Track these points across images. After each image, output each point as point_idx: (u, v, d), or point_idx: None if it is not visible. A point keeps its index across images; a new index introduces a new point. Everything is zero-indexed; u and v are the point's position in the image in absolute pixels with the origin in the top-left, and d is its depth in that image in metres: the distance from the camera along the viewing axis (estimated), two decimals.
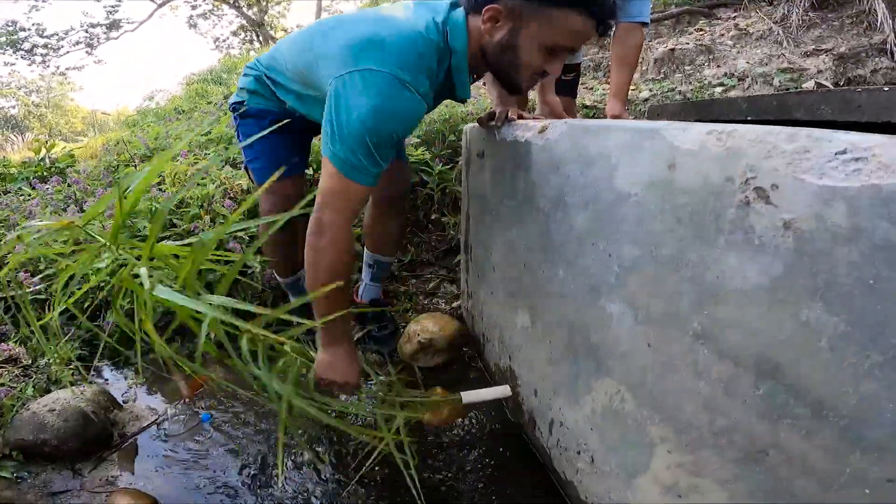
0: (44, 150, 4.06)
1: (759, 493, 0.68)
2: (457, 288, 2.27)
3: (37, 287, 2.08)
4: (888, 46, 3.76)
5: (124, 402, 1.70)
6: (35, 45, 16.12)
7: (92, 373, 1.91)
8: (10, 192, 3.36)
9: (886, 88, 1.22)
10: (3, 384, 1.62)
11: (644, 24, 1.87)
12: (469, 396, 1.45)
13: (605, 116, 3.93)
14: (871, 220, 0.50)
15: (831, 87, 3.62)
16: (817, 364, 0.58)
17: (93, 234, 0.77)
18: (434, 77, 1.17)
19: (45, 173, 3.84)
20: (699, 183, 0.71)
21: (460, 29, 1.15)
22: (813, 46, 4.11)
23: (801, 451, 0.62)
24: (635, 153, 0.84)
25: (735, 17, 4.90)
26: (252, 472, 1.39)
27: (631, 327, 0.89)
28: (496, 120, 1.42)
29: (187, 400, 1.70)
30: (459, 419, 1.56)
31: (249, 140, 1.41)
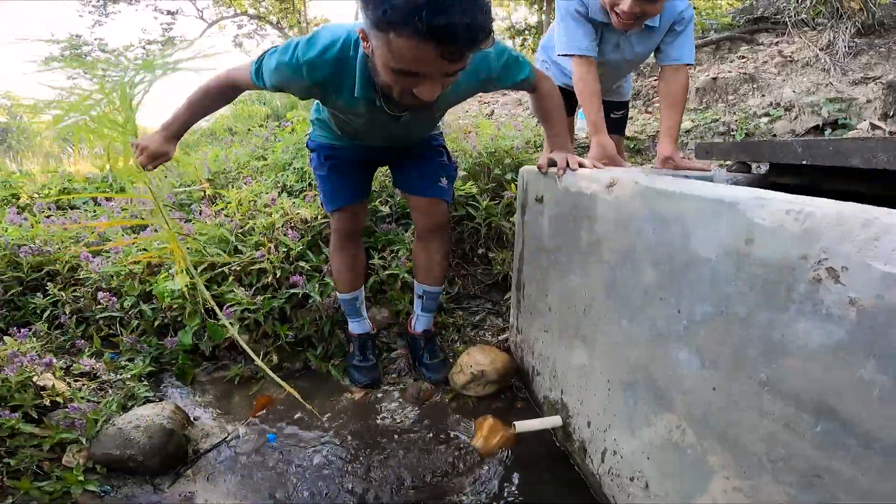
0: (108, 167, 4.27)
1: None
2: (502, 321, 2.36)
3: (113, 305, 2.23)
4: None
5: (195, 418, 1.81)
6: (98, 61, 16.83)
7: (164, 390, 2.04)
8: (77, 208, 3.53)
9: None
10: (84, 398, 1.75)
11: (688, 65, 1.97)
12: (522, 426, 1.54)
13: (647, 147, 3.95)
14: None
15: (884, 128, 3.51)
16: (869, 408, 0.68)
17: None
18: (346, 68, 1.36)
19: (107, 189, 3.97)
20: (775, 258, 0.78)
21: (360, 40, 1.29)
22: (861, 74, 4.02)
23: (852, 474, 0.71)
24: (712, 222, 0.91)
25: (778, 42, 4.81)
26: (322, 493, 1.48)
27: (696, 371, 0.97)
28: (558, 168, 1.50)
29: (250, 419, 1.81)
30: (510, 448, 1.64)
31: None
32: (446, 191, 1.88)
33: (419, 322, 2.10)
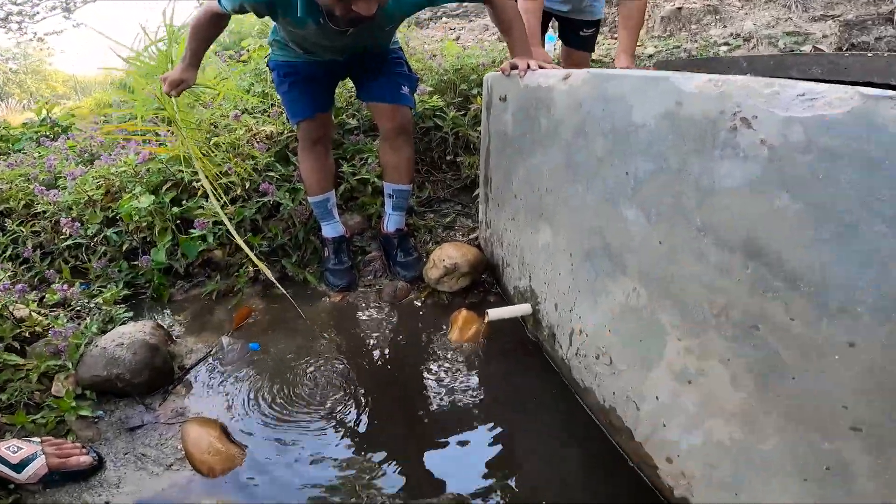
0: (45, 111, 4.19)
1: (756, 367, 0.82)
2: (472, 221, 2.38)
3: (77, 231, 2.19)
4: (895, 17, 3.74)
5: (177, 336, 1.85)
6: (9, 14, 15.62)
7: (142, 312, 2.06)
8: (20, 151, 3.42)
9: (870, 55, 1.35)
10: (62, 325, 1.75)
11: None
12: (495, 313, 1.60)
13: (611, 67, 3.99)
14: (818, 136, 0.71)
15: (826, 51, 3.61)
16: (788, 240, 0.76)
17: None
18: None
19: (48, 133, 3.92)
20: (700, 114, 0.89)
21: None
22: (821, 12, 4.11)
23: (783, 322, 0.77)
24: (649, 94, 1.01)
25: None
26: (307, 390, 1.55)
27: (644, 228, 1.04)
28: (520, 70, 1.57)
29: (232, 331, 1.86)
30: (482, 339, 1.71)
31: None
32: (408, 97, 1.96)
33: (391, 221, 2.13)
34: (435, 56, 3.19)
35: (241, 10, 1.62)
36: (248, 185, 2.25)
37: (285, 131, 2.49)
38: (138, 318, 1.94)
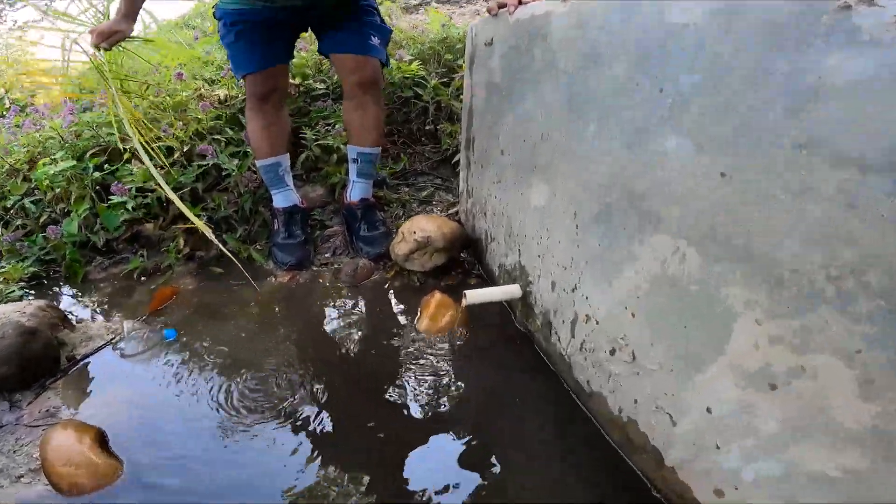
0: (2, 90, 4.14)
1: None
2: (452, 196, 2.04)
3: None
4: None
5: (79, 321, 1.49)
6: None
7: (50, 292, 1.69)
8: None
9: None
10: None
11: None
12: (473, 296, 1.26)
13: None
14: None
15: None
16: None
17: None
18: None
19: (3, 113, 3.67)
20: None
21: None
22: None
23: None
24: None
25: None
26: (228, 390, 1.19)
27: (691, 160, 0.70)
28: (509, 5, 1.30)
29: (147, 315, 1.49)
30: (459, 329, 1.37)
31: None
32: (378, 49, 1.68)
33: (355, 189, 1.80)
34: (417, 27, 2.87)
35: None
36: (186, 149, 1.89)
37: (240, 95, 2.15)
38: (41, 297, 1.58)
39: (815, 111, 0.55)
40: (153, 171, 1.50)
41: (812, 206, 0.55)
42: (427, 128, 2.31)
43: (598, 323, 0.97)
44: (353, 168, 1.78)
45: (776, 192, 0.58)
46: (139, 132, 1.67)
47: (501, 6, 1.38)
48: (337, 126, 2.01)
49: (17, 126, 2.73)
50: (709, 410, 0.72)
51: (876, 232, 0.50)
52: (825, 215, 0.54)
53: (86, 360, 1.31)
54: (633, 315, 0.85)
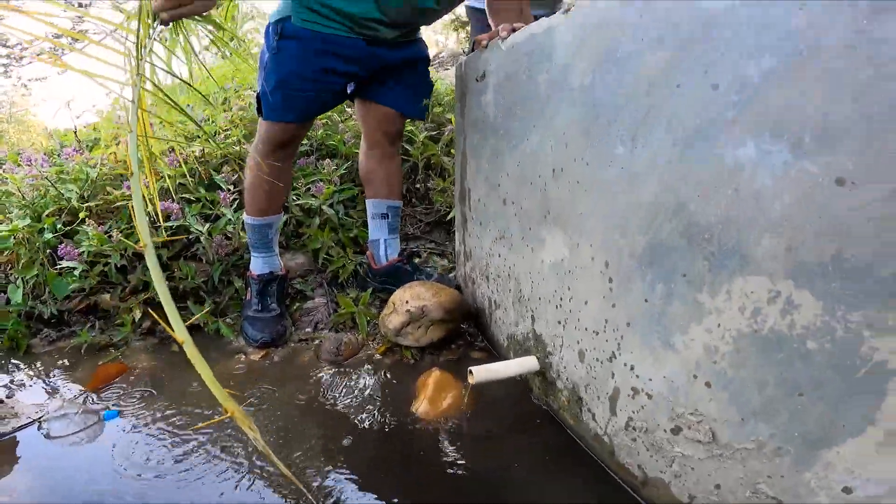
0: None
1: None
2: (448, 261, 1.87)
3: None
4: None
5: (8, 396, 1.24)
6: None
7: None
8: None
9: None
10: None
11: None
12: (481, 373, 1.04)
13: None
14: None
15: None
16: None
17: None
18: None
19: None
20: None
21: None
22: None
23: None
24: None
25: None
26: (171, 488, 0.94)
27: (786, 170, 0.53)
28: (502, 31, 1.19)
29: (86, 393, 1.25)
30: (466, 410, 1.14)
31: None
32: (424, 110, 1.60)
33: (391, 247, 1.67)
34: None
35: None
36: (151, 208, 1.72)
37: (219, 153, 2.01)
38: None
39: None
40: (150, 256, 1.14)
41: None
42: (417, 187, 2.18)
43: (650, 397, 0.76)
44: (383, 225, 1.66)
45: None
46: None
47: (492, 37, 1.28)
48: (319, 183, 1.86)
49: None
50: (847, 490, 0.51)
51: None
52: None
53: (4, 439, 1.06)
54: (707, 385, 0.65)
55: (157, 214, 1.20)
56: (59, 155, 2.25)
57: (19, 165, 2.06)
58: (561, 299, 0.97)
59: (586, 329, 0.90)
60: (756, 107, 0.55)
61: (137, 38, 1.03)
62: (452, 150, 2.07)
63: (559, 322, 0.99)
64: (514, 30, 1.16)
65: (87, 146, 2.45)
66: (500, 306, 1.28)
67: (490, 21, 1.52)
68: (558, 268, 0.97)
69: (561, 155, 0.93)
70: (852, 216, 0.48)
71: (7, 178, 1.90)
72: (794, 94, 0.51)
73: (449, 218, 2.02)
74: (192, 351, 0.73)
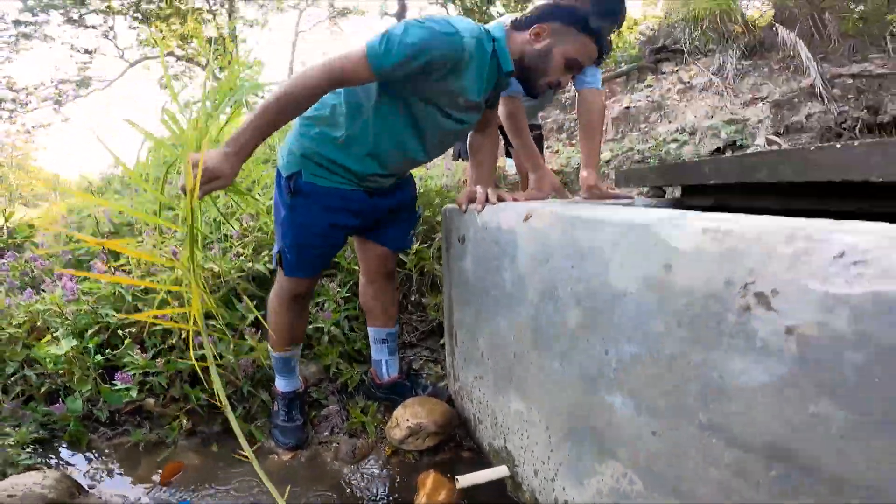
0: (1, 219, 3.93)
1: None
2: (441, 368, 2.25)
3: None
4: (817, 90, 4.06)
5: (90, 487, 1.58)
6: (3, 100, 15.60)
7: (52, 457, 1.78)
8: None
9: (839, 145, 1.26)
10: None
11: (602, 91, 2.11)
12: (466, 480, 1.43)
13: (572, 180, 4.11)
14: (874, 325, 0.52)
15: (780, 143, 3.84)
16: (830, 447, 0.60)
17: None
18: (482, 52, 1.43)
19: (1, 245, 3.74)
20: (697, 285, 0.72)
21: (499, 29, 1.49)
22: (750, 95, 4.44)
23: None
24: (628, 249, 0.86)
25: (678, 69, 5.29)
26: None
27: (633, 417, 0.91)
28: (477, 203, 1.50)
29: (162, 485, 1.60)
30: (458, 501, 1.51)
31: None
32: (411, 240, 1.94)
33: (391, 367, 2.01)
34: None
35: (403, 70, 1.30)
36: (184, 335, 2.04)
37: (232, 269, 2.26)
38: (49, 462, 1.72)
39: (717, 402, 0.72)
40: (225, 402, 1.30)
41: (714, 469, 0.76)
42: (413, 298, 2.54)
43: None
44: (383, 348, 1.98)
45: (692, 455, 0.80)
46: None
47: (471, 200, 1.54)
48: (327, 306, 2.21)
49: (13, 269, 2.84)
50: None
51: (753, 489, 0.71)
52: (725, 476, 0.75)
53: None
54: None
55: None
56: (88, 268, 2.56)
57: (53, 281, 2.39)
58: (522, 434, 1.37)
59: (538, 458, 1.30)
60: (626, 375, 0.92)
61: (190, 232, 1.30)
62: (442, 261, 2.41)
63: (522, 448, 1.39)
64: (487, 200, 1.47)
65: (110, 256, 2.78)
66: (482, 422, 1.67)
67: (469, 165, 1.82)
68: (520, 415, 1.37)
69: (521, 346, 1.29)
70: (658, 452, 0.88)
71: (46, 296, 2.20)
72: (642, 376, 0.88)
73: (441, 328, 2.37)
74: (256, 466, 1.12)
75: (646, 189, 1.92)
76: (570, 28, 1.44)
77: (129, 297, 2.13)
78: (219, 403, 1.29)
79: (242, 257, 2.32)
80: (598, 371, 0.98)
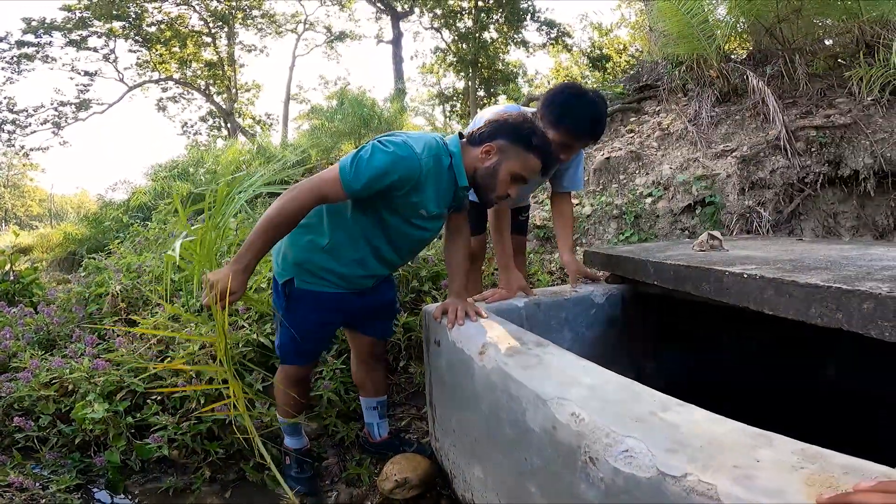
0: (8, 265, 4.07)
1: None
2: (425, 425, 2.61)
3: (30, 427, 2.30)
4: (781, 143, 4.10)
5: None
6: (4, 121, 15.47)
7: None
8: None
9: (746, 275, 1.64)
10: None
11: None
12: None
13: (555, 235, 4.23)
14: (630, 488, 0.95)
15: (720, 238, 3.91)
16: None
17: None
18: (440, 168, 1.65)
19: (10, 288, 3.97)
20: (567, 441, 1.14)
21: (455, 144, 1.69)
22: (721, 146, 4.45)
23: None
24: (537, 409, 1.26)
25: (658, 111, 5.27)
26: None
27: (540, 499, 1.31)
28: (448, 322, 1.76)
29: None
30: None
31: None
32: (393, 328, 2.24)
33: (382, 428, 2.33)
34: None
35: (370, 190, 1.56)
36: (203, 401, 2.33)
37: (240, 343, 2.50)
38: None
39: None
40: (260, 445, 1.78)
41: None
42: (402, 363, 2.88)
43: None
44: (374, 413, 2.28)
45: None
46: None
47: (444, 311, 1.78)
48: (324, 374, 2.51)
49: (30, 323, 3.09)
50: None
51: None
52: None
53: None
54: None
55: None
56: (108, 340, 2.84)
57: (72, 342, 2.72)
58: (483, 494, 1.73)
59: None
60: (537, 474, 1.28)
61: (224, 346, 1.69)
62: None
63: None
64: (457, 317, 1.73)
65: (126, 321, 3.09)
66: (456, 477, 2.04)
67: (448, 280, 2.01)
68: (481, 480, 1.73)
69: (480, 434, 1.63)
70: None
71: (74, 365, 2.50)
72: (543, 478, 1.26)
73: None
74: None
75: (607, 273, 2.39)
76: (515, 146, 1.62)
77: (151, 367, 2.40)
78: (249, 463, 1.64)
79: (247, 329, 2.61)
80: (522, 468, 1.37)
